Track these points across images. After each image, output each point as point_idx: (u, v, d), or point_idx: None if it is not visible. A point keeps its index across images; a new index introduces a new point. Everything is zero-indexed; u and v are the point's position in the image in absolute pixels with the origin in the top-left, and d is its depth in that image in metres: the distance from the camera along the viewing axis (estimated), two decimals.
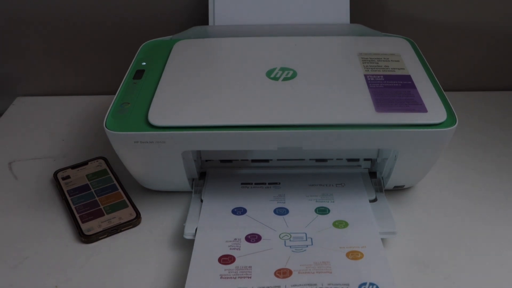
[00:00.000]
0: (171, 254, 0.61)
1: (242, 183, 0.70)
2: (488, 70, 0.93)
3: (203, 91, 0.63)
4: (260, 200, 0.66)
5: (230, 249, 0.59)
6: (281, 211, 0.65)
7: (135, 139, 0.59)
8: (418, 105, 0.60)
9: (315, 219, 0.63)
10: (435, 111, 0.59)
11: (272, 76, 0.65)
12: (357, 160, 0.71)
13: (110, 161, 0.74)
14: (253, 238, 0.60)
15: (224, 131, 0.58)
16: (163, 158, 0.62)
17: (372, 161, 0.71)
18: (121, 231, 0.65)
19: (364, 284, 0.54)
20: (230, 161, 0.72)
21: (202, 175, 0.71)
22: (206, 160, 0.72)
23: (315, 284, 0.54)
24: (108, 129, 0.60)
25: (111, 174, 0.72)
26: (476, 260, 0.60)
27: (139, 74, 0.68)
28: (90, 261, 0.61)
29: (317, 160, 0.71)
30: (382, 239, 0.60)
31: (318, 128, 0.58)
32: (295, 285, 0.54)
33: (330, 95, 0.62)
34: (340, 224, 0.62)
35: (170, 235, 0.64)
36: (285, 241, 0.60)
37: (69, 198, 0.68)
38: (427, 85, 0.64)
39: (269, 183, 0.69)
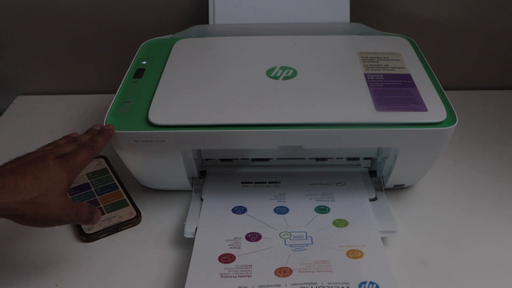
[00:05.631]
0: (171, 253, 0.62)
1: (242, 182, 0.70)
2: (488, 69, 0.93)
3: (203, 90, 0.63)
4: (260, 199, 0.66)
5: (230, 248, 0.59)
6: (281, 210, 0.65)
7: (136, 138, 0.59)
8: (418, 104, 0.60)
9: (315, 218, 0.63)
10: (435, 110, 0.59)
11: (272, 75, 0.65)
12: (357, 159, 0.71)
13: (110, 160, 0.74)
14: (253, 237, 0.60)
15: (224, 130, 0.58)
16: (163, 157, 0.62)
17: (372, 160, 0.71)
18: (121, 230, 0.65)
19: (364, 283, 0.54)
20: (230, 160, 0.72)
21: (202, 174, 0.71)
22: (206, 159, 0.72)
23: (315, 283, 0.54)
24: None
25: (111, 173, 0.72)
26: (475, 258, 0.60)
27: (139, 73, 0.68)
28: (90, 260, 0.61)
29: (317, 159, 0.72)
30: (382, 238, 0.60)
31: (318, 127, 0.58)
32: (295, 284, 0.54)
33: (330, 94, 0.62)
34: (340, 223, 0.62)
35: (170, 234, 0.64)
36: (285, 240, 0.60)
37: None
38: (427, 84, 0.64)
39: (269, 182, 0.70)
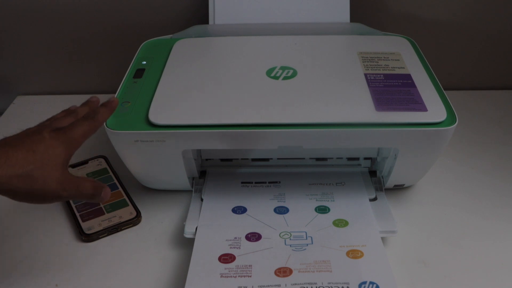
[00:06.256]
0: (171, 253, 0.62)
1: (242, 182, 0.70)
2: (487, 69, 0.93)
3: (203, 90, 0.63)
4: (260, 199, 0.66)
5: (230, 248, 0.59)
6: (281, 210, 0.65)
7: (136, 138, 0.59)
8: (418, 104, 0.60)
9: (315, 218, 0.63)
10: (435, 110, 0.59)
11: (272, 75, 0.65)
12: (357, 159, 0.71)
13: (110, 160, 0.74)
14: (253, 237, 0.60)
15: (224, 130, 0.58)
16: (163, 157, 0.62)
17: (372, 160, 0.71)
18: (121, 230, 0.65)
19: (364, 283, 0.54)
20: (230, 160, 0.72)
21: (202, 174, 0.71)
22: (206, 159, 0.72)
23: (315, 283, 0.54)
24: (108, 128, 0.60)
25: (111, 173, 0.72)
26: (475, 258, 0.60)
27: (139, 73, 0.68)
28: (90, 260, 0.61)
29: (317, 159, 0.72)
30: (382, 238, 0.60)
31: (318, 127, 0.58)
32: (295, 284, 0.54)
33: (330, 94, 0.62)
34: (340, 223, 0.62)
35: (170, 234, 0.64)
36: (285, 240, 0.60)
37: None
38: (427, 84, 0.64)
39: (269, 182, 0.70)
